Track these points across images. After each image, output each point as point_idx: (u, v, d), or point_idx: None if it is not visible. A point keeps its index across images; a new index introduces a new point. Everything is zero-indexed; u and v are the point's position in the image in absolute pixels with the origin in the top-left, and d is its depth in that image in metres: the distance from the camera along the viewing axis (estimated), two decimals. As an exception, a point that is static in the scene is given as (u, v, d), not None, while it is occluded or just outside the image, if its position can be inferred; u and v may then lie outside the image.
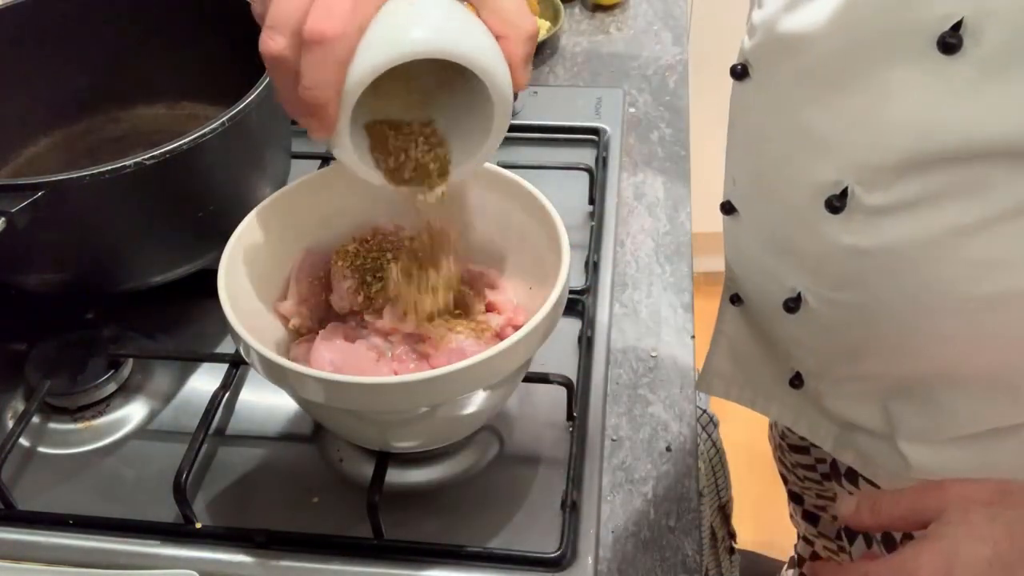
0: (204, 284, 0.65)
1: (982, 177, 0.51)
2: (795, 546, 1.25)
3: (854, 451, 0.74)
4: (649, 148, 0.97)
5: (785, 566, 1.50)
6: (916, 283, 0.57)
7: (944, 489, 0.54)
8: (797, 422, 0.78)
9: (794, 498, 1.11)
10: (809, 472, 1.00)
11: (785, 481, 1.11)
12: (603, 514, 0.66)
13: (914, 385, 0.64)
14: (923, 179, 0.53)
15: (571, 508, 0.64)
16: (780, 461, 1.08)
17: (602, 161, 0.92)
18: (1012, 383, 0.60)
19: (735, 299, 0.76)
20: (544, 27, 1.13)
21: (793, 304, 0.64)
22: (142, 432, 0.72)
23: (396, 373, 0.60)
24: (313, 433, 0.71)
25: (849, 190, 0.56)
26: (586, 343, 0.75)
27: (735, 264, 0.74)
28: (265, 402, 0.73)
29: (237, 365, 0.72)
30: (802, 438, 0.87)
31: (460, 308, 0.66)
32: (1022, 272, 0.54)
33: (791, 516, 1.16)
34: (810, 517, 1.11)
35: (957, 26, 0.48)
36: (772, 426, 1.08)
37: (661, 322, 0.79)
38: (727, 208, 0.70)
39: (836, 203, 0.56)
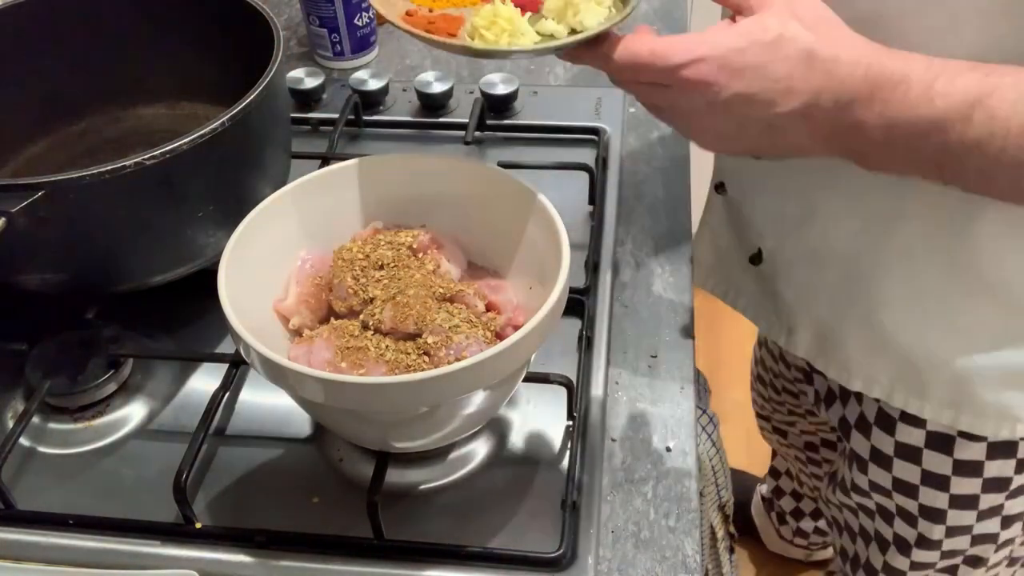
0: (204, 284, 0.65)
1: None
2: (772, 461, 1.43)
3: (807, 340, 0.82)
4: (649, 148, 0.97)
5: (762, 480, 1.55)
6: None
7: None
8: (757, 317, 0.89)
9: (761, 419, 1.26)
10: (789, 385, 1.10)
11: (756, 405, 1.24)
12: (603, 514, 0.66)
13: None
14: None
15: (571, 508, 0.64)
16: (759, 379, 1.18)
17: (602, 161, 0.92)
18: None
19: (719, 187, 0.88)
20: (544, 27, 1.13)
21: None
22: (142, 432, 0.72)
23: (396, 373, 0.60)
24: (313, 433, 0.71)
25: None
26: (586, 343, 0.75)
27: None
28: (265, 402, 0.73)
29: (237, 365, 0.72)
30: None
31: (460, 308, 0.66)
32: None
33: (761, 430, 1.30)
34: (779, 431, 1.24)
35: None
36: (759, 344, 1.16)
37: (661, 322, 0.79)
38: None
39: None
